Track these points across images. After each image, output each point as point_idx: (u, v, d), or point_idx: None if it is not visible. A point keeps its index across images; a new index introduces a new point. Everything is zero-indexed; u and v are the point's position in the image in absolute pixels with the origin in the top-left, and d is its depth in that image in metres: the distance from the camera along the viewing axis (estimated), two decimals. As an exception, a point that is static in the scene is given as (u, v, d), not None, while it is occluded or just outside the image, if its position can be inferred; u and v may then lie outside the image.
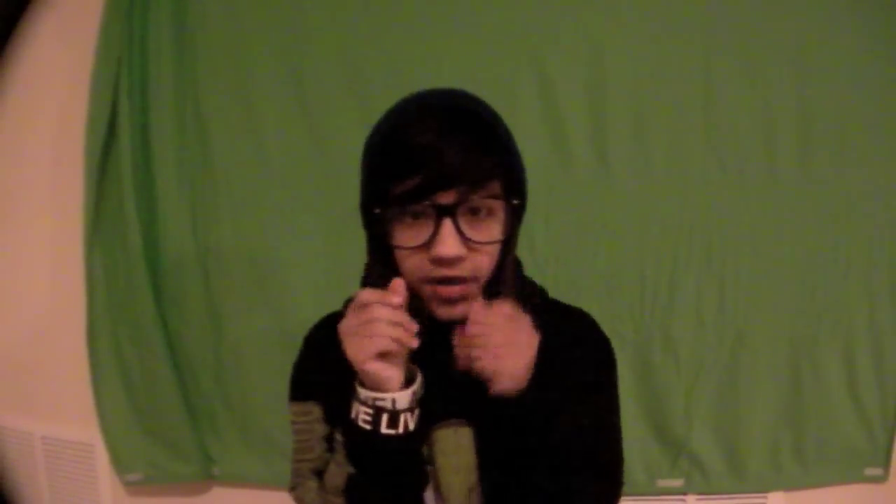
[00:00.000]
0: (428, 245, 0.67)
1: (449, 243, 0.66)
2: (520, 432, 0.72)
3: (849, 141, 1.30)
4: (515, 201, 0.71)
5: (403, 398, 0.68)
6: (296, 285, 1.36)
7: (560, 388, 0.74)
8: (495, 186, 0.69)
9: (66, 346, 1.47)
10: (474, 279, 0.70)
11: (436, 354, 0.72)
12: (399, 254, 0.70)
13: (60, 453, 1.55)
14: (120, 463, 1.46)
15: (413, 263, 0.69)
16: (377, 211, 0.69)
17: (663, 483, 1.38)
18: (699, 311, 1.33)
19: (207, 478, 1.46)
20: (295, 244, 1.36)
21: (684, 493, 1.39)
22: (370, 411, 0.68)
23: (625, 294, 1.33)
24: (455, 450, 0.76)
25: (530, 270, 1.38)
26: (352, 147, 1.30)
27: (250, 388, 1.40)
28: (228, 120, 1.35)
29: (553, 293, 1.36)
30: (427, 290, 0.70)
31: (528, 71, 1.30)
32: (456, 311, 0.71)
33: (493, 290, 0.72)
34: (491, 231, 0.70)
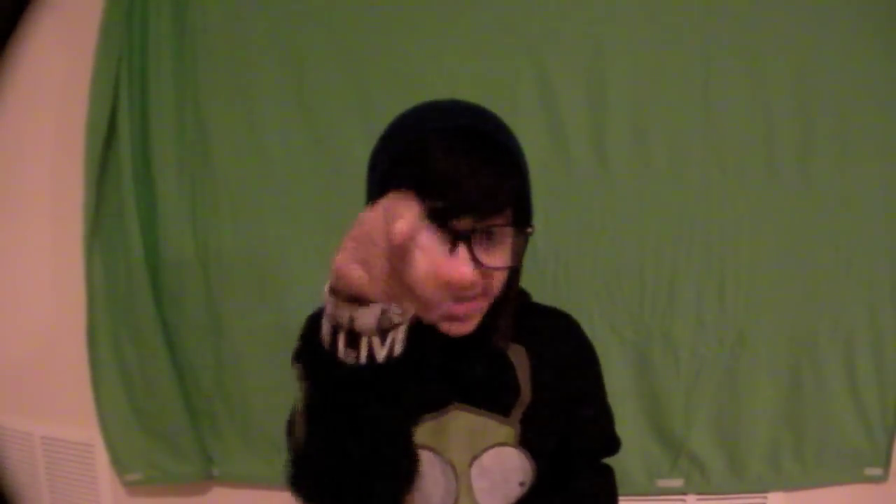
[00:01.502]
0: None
1: (465, 267, 0.64)
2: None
3: (849, 141, 1.30)
4: (529, 229, 0.72)
5: (366, 315, 0.58)
6: (296, 285, 1.36)
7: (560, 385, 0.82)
8: (509, 213, 0.70)
9: (66, 346, 1.47)
10: (484, 297, 0.73)
11: (447, 338, 0.74)
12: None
13: (60, 453, 1.55)
14: (120, 463, 1.46)
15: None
16: None
17: (663, 483, 1.38)
18: (699, 311, 1.33)
19: (207, 478, 1.46)
20: (295, 244, 1.36)
21: (684, 493, 1.39)
22: (328, 327, 0.62)
23: (625, 294, 1.33)
24: (463, 432, 0.80)
25: (530, 271, 1.38)
26: (352, 147, 1.32)
27: (250, 388, 1.40)
28: (228, 120, 1.35)
29: (553, 293, 1.37)
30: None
31: (528, 71, 1.30)
32: (464, 329, 0.74)
33: (497, 305, 0.75)
34: (503, 256, 0.71)
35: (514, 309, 0.79)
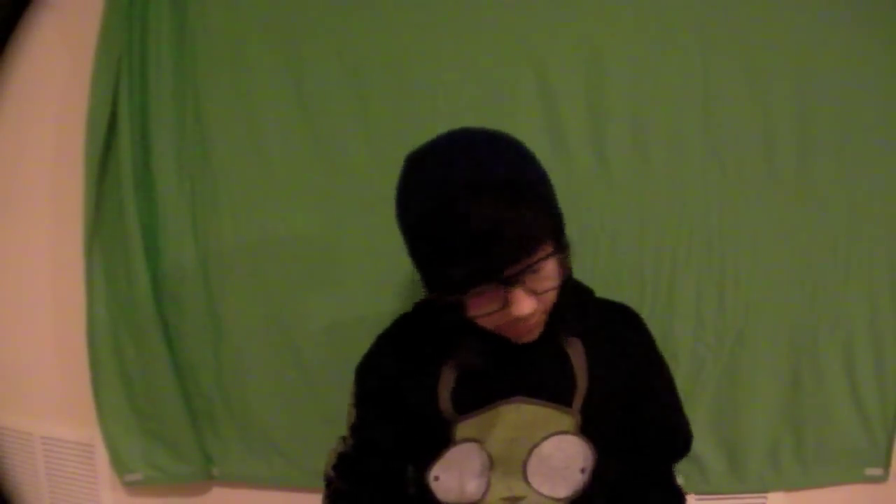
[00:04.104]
0: (503, 308, 0.74)
1: (525, 304, 0.73)
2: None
3: (849, 141, 1.29)
4: (566, 246, 0.77)
5: None
6: (296, 285, 1.36)
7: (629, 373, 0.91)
8: (549, 245, 0.74)
9: (66, 346, 1.47)
10: (544, 312, 0.80)
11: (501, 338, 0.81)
12: (474, 313, 0.76)
13: (60, 453, 1.55)
14: (120, 463, 1.46)
15: (489, 320, 0.76)
16: (451, 300, 0.74)
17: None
18: (699, 311, 1.33)
19: (207, 478, 1.46)
20: (295, 244, 1.36)
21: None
22: None
23: (625, 294, 1.32)
24: (514, 426, 0.85)
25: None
26: (352, 147, 1.32)
27: (250, 388, 1.40)
28: (228, 120, 1.35)
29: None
30: (510, 331, 0.79)
31: (528, 71, 1.30)
32: (531, 337, 0.81)
33: (556, 308, 0.82)
34: (552, 277, 0.76)
35: (571, 308, 0.84)
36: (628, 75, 1.29)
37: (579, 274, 1.39)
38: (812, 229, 1.31)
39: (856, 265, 1.32)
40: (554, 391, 0.86)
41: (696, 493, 1.39)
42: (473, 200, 0.69)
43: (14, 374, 1.54)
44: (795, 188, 1.31)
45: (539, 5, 1.29)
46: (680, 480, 1.38)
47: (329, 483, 0.97)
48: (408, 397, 0.87)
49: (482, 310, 0.74)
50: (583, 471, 0.89)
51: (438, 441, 0.87)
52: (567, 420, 0.86)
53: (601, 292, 1.33)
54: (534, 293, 0.74)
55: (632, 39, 1.29)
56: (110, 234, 1.40)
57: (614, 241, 1.32)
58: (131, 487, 1.48)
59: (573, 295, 0.86)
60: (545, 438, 0.86)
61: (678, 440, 0.99)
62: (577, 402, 0.86)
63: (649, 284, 1.33)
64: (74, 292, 1.43)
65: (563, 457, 0.87)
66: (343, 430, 0.98)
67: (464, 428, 0.86)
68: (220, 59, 1.34)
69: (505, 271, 0.71)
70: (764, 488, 1.39)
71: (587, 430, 0.87)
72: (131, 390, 1.44)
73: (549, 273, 0.75)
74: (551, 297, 0.78)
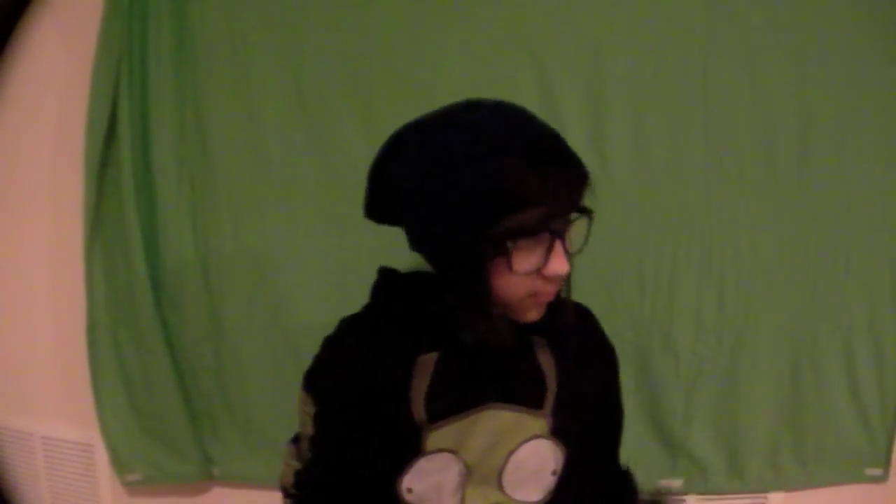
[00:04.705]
0: (541, 267, 0.73)
1: (565, 262, 0.74)
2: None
3: (848, 141, 1.30)
4: (593, 213, 0.79)
5: None
6: (296, 285, 1.36)
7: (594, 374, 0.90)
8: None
9: (66, 346, 1.47)
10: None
11: (479, 339, 0.78)
12: (505, 275, 0.73)
13: (60, 453, 1.55)
14: (120, 463, 1.46)
15: (521, 282, 0.74)
16: (508, 244, 0.71)
17: (663, 483, 1.38)
18: (699, 311, 1.33)
19: (207, 478, 1.46)
20: (295, 244, 1.36)
21: (684, 493, 1.39)
22: None
23: (625, 294, 1.33)
24: (492, 432, 0.82)
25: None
26: (352, 147, 1.32)
27: (250, 388, 1.40)
28: (228, 120, 1.35)
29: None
30: (528, 301, 0.77)
31: (528, 71, 1.30)
32: (541, 314, 0.79)
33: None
34: (576, 242, 0.78)
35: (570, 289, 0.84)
36: (628, 75, 1.29)
37: (579, 274, 1.40)
38: (812, 229, 1.31)
39: (856, 265, 1.32)
40: (526, 394, 0.84)
41: (696, 493, 1.39)
42: (531, 159, 0.71)
43: (14, 374, 1.54)
44: (795, 188, 1.31)
45: (539, 4, 1.29)
46: (680, 481, 1.39)
47: (287, 495, 0.92)
48: (375, 404, 0.81)
49: (525, 265, 0.72)
50: (554, 473, 0.87)
51: (408, 450, 0.82)
52: (539, 423, 0.84)
53: (601, 292, 1.34)
54: (569, 255, 0.75)
55: (632, 39, 1.29)
56: (110, 234, 1.40)
57: (614, 240, 1.32)
58: (131, 487, 1.48)
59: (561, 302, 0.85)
60: (521, 444, 0.84)
61: (620, 424, 0.98)
62: (549, 403, 0.84)
63: (649, 284, 1.33)
64: (74, 292, 1.43)
65: (537, 461, 0.85)
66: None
67: (437, 437, 0.81)
68: (220, 59, 1.34)
69: (556, 221, 0.73)
70: (764, 488, 1.39)
71: (557, 431, 0.85)
72: (131, 390, 1.44)
73: (571, 235, 0.77)
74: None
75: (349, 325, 0.88)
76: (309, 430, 0.87)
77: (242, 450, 1.44)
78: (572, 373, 0.86)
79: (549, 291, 0.76)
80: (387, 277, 0.87)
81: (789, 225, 1.31)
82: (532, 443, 0.84)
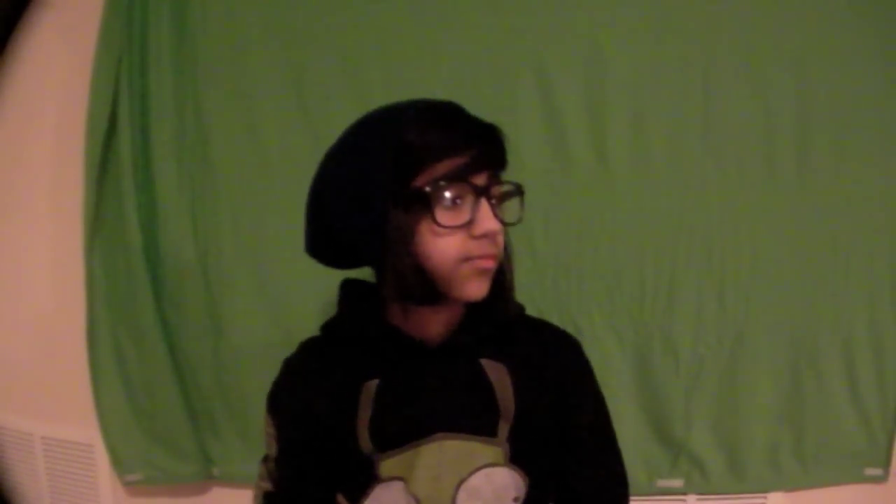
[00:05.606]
0: (469, 224, 0.72)
1: (493, 220, 0.73)
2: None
3: (848, 141, 1.29)
4: (523, 190, 0.78)
5: None
6: (296, 285, 1.36)
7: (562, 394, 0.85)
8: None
9: (66, 346, 1.47)
10: (496, 259, 0.77)
11: (421, 369, 0.79)
12: (433, 238, 0.73)
13: (60, 453, 1.55)
14: (120, 463, 1.46)
15: (450, 243, 0.73)
16: (427, 189, 0.71)
17: (663, 483, 1.38)
18: (699, 311, 1.33)
19: (207, 478, 1.46)
20: (295, 244, 1.36)
21: (684, 493, 1.39)
22: None
23: (625, 294, 1.33)
24: (438, 463, 0.79)
25: (530, 271, 1.38)
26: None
27: (250, 388, 1.40)
28: (228, 120, 1.35)
29: (553, 294, 1.38)
30: (464, 268, 0.74)
31: (528, 71, 1.30)
32: (484, 289, 0.77)
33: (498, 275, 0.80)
34: (507, 215, 0.77)
35: (511, 279, 0.83)
36: (628, 75, 1.29)
37: (578, 273, 1.41)
38: (812, 229, 1.31)
39: (856, 265, 1.32)
40: (476, 422, 0.80)
41: (696, 493, 1.39)
42: (451, 111, 0.76)
43: (14, 374, 1.54)
44: (795, 188, 1.31)
45: (539, 5, 1.29)
46: (680, 481, 1.39)
47: None
48: (325, 431, 0.81)
49: (450, 221, 0.72)
50: (516, 500, 0.83)
51: (363, 476, 0.80)
52: (494, 451, 0.80)
53: (601, 292, 1.34)
54: (497, 220, 0.75)
55: (632, 39, 1.29)
56: (110, 234, 1.40)
57: (614, 241, 1.32)
58: (131, 487, 1.48)
59: (502, 305, 0.82)
60: (472, 473, 0.80)
61: (612, 485, 0.89)
62: (504, 431, 0.81)
63: (649, 284, 1.33)
64: (74, 292, 1.43)
65: (493, 489, 0.81)
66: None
67: (389, 465, 0.79)
68: (220, 59, 1.34)
69: (477, 174, 0.73)
70: (764, 488, 1.39)
71: (517, 459, 0.81)
72: (131, 390, 1.44)
73: (502, 209, 0.77)
74: (503, 241, 0.77)
75: (305, 349, 0.90)
76: (273, 451, 0.88)
77: (242, 450, 1.43)
78: (534, 400, 0.82)
79: (483, 255, 0.74)
80: (345, 290, 0.88)
81: (789, 225, 1.31)
82: (484, 471, 0.80)
